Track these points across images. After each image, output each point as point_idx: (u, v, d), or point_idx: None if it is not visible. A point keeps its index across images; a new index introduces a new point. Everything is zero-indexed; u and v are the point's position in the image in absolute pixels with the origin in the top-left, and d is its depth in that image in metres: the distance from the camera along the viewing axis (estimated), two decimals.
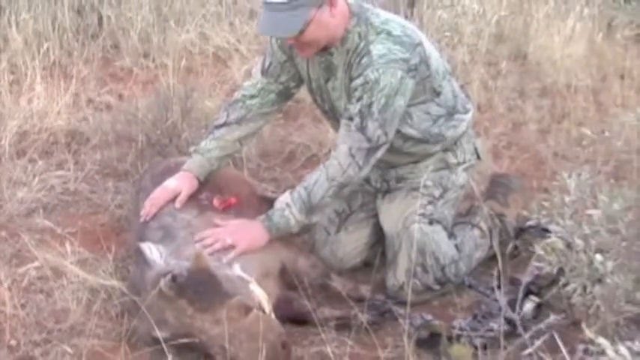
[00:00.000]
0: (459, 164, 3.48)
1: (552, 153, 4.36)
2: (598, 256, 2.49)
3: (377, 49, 3.17)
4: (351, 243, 3.52)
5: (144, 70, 5.36)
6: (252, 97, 3.51)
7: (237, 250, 3.13)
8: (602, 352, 1.79)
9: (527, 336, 2.48)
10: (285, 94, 3.53)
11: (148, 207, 3.34)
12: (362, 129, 3.16)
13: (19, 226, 3.68)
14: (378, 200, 3.53)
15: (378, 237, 3.49)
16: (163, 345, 2.74)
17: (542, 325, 2.75)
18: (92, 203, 3.95)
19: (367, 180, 3.52)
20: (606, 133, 3.86)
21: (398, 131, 3.27)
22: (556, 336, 2.45)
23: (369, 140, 3.17)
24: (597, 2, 5.67)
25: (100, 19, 5.75)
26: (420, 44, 3.25)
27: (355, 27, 3.23)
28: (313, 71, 3.39)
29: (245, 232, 3.21)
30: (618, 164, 4.14)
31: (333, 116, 3.45)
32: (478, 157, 3.59)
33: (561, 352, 2.40)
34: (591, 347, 2.30)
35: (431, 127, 3.37)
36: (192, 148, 3.53)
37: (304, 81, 3.47)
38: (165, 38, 5.60)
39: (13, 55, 5.02)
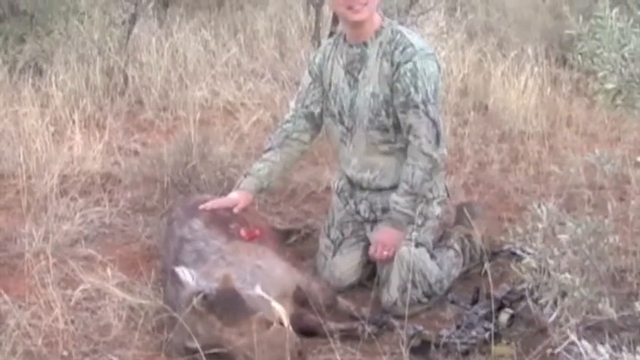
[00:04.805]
0: (434, 198, 3.50)
1: (514, 188, 4.38)
2: (567, 275, 2.51)
3: (416, 42, 3.35)
4: (346, 264, 3.54)
5: (164, 121, 5.36)
6: (287, 122, 3.60)
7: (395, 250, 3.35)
8: (580, 354, 1.80)
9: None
10: (312, 121, 3.58)
11: (211, 204, 3.44)
12: (427, 113, 3.29)
13: (65, 255, 3.65)
14: (367, 233, 3.55)
15: (368, 259, 3.50)
16: (201, 352, 2.71)
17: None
18: (125, 234, 3.94)
19: (357, 211, 3.56)
20: (571, 170, 3.90)
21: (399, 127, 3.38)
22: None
23: (434, 121, 3.31)
24: (545, 63, 5.73)
25: (126, 78, 5.75)
26: None
27: (388, 25, 3.39)
28: (335, 75, 3.47)
29: (390, 239, 3.38)
30: (568, 197, 4.18)
31: (340, 119, 3.49)
32: (448, 195, 3.64)
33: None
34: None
35: None
36: (244, 172, 3.62)
37: (326, 93, 3.52)
38: (181, 94, 5.61)
39: (54, 110, 5.03)
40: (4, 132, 4.78)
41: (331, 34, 5.89)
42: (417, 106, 3.29)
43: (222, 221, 3.38)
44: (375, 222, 3.52)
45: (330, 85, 3.51)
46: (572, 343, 2.04)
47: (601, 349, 1.74)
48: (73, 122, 4.86)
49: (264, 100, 5.46)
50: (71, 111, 4.98)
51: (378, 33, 3.37)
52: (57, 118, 4.99)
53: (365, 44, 3.38)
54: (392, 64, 3.32)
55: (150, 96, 5.63)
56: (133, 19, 6.04)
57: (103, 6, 6.03)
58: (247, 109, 5.33)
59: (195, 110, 5.03)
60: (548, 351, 2.78)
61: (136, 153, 4.85)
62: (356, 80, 3.42)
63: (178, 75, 5.90)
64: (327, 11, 6.19)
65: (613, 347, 1.95)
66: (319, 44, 5.98)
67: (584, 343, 1.77)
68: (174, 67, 5.95)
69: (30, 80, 5.39)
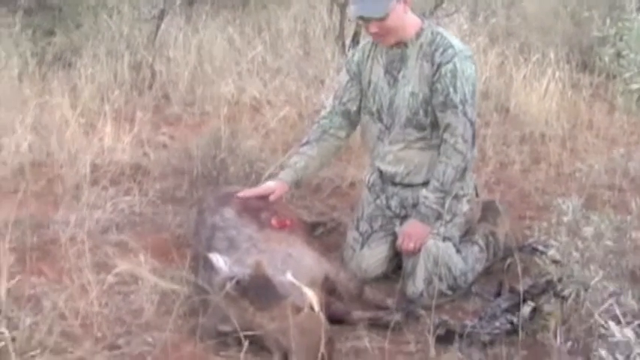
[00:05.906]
0: (464, 196, 3.58)
1: (534, 188, 4.47)
2: (591, 267, 2.60)
3: (456, 44, 3.44)
4: (373, 257, 3.62)
5: (190, 116, 5.48)
6: (324, 117, 3.70)
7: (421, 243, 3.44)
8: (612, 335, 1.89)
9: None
10: (348, 118, 3.66)
11: (248, 191, 3.57)
12: (465, 113, 3.38)
13: (97, 240, 3.75)
14: (396, 227, 3.61)
15: (395, 252, 3.59)
16: (241, 335, 2.80)
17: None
18: (155, 223, 4.03)
19: (388, 206, 3.64)
20: (595, 166, 3.98)
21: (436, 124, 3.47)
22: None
23: (471, 122, 3.40)
24: (566, 67, 5.80)
25: (153, 74, 5.87)
26: None
27: (428, 27, 3.47)
28: (374, 74, 3.57)
29: (418, 233, 3.46)
30: (589, 197, 4.24)
31: (378, 116, 3.58)
32: (477, 194, 3.72)
33: None
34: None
35: None
36: (281, 163, 3.77)
37: (364, 91, 3.61)
38: (208, 90, 5.72)
39: (84, 102, 5.14)
40: (35, 122, 4.90)
41: (355, 34, 6.00)
42: (455, 106, 3.38)
43: (254, 210, 3.45)
44: (405, 218, 3.59)
45: (369, 83, 3.59)
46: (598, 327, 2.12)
47: (627, 332, 1.83)
48: (104, 115, 4.97)
49: (290, 97, 5.56)
50: (102, 103, 5.09)
51: (418, 35, 3.45)
52: (86, 110, 5.09)
53: (405, 45, 3.46)
54: (432, 65, 3.41)
55: (177, 91, 5.75)
56: (162, 14, 6.17)
57: (133, 1, 6.16)
58: (273, 106, 5.42)
59: (220, 106, 5.14)
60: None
61: (164, 146, 4.96)
62: (396, 80, 3.51)
63: (205, 71, 6.01)
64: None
65: (636, 333, 2.03)
66: (343, 44, 6.09)
67: (611, 323, 1.86)
68: (200, 63, 6.06)
69: (59, 72, 5.50)
